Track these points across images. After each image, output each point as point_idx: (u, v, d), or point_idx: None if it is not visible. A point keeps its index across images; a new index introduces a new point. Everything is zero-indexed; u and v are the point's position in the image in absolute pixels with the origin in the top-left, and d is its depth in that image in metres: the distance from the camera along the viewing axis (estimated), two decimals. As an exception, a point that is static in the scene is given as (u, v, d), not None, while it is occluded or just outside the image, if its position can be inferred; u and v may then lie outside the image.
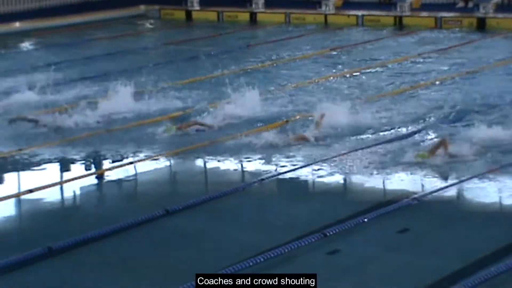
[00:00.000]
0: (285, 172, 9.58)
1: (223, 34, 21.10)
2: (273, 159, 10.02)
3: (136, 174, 9.87)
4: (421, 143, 10.36)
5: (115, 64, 17.18)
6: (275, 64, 16.59)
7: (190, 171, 9.91)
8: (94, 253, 7.71)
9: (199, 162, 10.11)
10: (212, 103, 12.60)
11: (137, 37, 21.38)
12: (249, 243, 7.69)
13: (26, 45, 20.57)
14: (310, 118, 11.42)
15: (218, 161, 10.16)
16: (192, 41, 20.30)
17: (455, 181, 9.08)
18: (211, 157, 10.23)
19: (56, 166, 10.32)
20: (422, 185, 8.98)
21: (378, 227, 7.97)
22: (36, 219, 8.81)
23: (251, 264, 7.07)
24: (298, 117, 11.77)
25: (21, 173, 10.12)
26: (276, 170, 9.67)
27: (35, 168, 10.25)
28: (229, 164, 10.06)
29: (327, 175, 9.43)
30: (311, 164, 9.74)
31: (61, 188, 9.59)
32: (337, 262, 7.35)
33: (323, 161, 9.82)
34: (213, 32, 21.48)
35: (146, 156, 10.40)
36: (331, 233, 7.75)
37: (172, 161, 10.15)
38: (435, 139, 10.34)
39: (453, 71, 15.22)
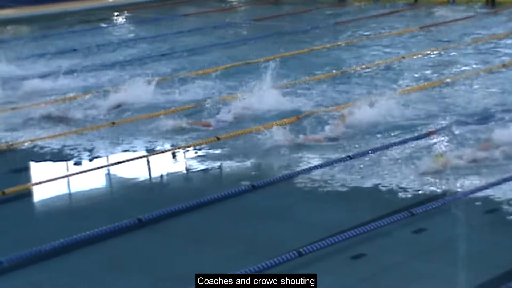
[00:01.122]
0: (367, 153, 9.48)
1: (311, 11, 21.04)
2: (356, 140, 9.97)
3: (222, 150, 9.94)
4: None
5: (205, 39, 17.36)
6: (360, 42, 16.47)
7: (275, 147, 9.90)
8: (182, 225, 7.85)
9: (285, 139, 10.08)
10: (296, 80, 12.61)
11: (227, 13, 21.51)
12: (335, 220, 7.70)
13: (117, 20, 20.94)
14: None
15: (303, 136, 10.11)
16: (280, 17, 20.31)
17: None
18: (297, 134, 10.20)
19: (145, 139, 10.48)
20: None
21: (466, 208, 7.87)
22: (125, 191, 9.01)
23: (336, 240, 7.10)
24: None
25: (111, 145, 10.32)
26: (359, 149, 9.62)
27: (124, 140, 10.45)
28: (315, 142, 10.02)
29: (410, 156, 9.31)
30: (384, 149, 9.65)
31: (148, 162, 9.76)
32: (423, 241, 7.30)
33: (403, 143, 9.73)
34: (301, 8, 21.43)
35: (233, 131, 10.51)
36: (418, 211, 7.72)
37: (257, 137, 10.16)
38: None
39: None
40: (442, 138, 9.76)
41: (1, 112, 11.61)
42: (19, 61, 15.17)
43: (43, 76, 13.91)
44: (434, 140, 9.71)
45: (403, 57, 14.70)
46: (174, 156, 9.92)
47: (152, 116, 11.39)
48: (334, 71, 13.70)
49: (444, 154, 8.93)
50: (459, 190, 8.22)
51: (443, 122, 10.51)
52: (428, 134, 9.94)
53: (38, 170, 9.65)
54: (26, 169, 9.71)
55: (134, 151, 10.06)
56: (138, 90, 12.38)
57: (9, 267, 6.91)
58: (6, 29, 19.58)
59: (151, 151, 10.00)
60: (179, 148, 10.05)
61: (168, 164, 9.73)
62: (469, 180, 8.47)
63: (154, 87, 12.50)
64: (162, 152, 9.97)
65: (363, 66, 14.01)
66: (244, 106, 11.34)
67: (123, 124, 11.08)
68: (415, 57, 14.79)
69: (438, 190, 8.24)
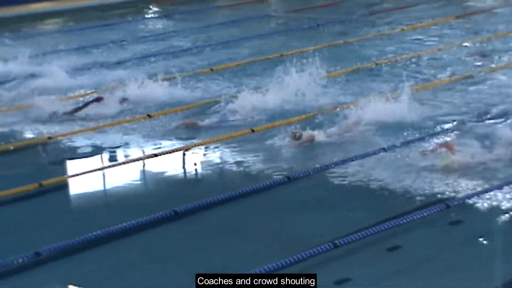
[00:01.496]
0: (398, 146, 9.44)
1: (345, 1, 20.95)
2: (387, 133, 9.94)
3: (257, 142, 9.94)
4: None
5: (238, 32, 17.38)
6: (395, 33, 16.38)
7: (305, 142, 9.88)
8: (217, 217, 7.89)
9: (320, 133, 10.07)
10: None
11: (260, 5, 21.49)
12: (370, 212, 7.70)
13: (151, 12, 21.03)
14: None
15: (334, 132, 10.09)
16: (314, 8, 20.26)
17: None
18: (327, 129, 10.19)
19: (180, 132, 10.52)
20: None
21: (499, 202, 7.81)
22: (160, 183, 9.08)
23: (371, 232, 7.10)
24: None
25: (147, 137, 10.39)
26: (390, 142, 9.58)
27: (160, 133, 10.50)
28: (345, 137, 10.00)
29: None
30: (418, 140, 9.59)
31: (184, 154, 9.81)
32: (457, 233, 7.28)
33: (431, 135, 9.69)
34: (336, -1, 21.40)
35: (266, 123, 10.53)
36: (454, 204, 7.68)
37: (291, 131, 10.15)
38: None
39: None
40: (471, 133, 9.69)
41: (37, 106, 11.74)
42: (54, 55, 15.31)
43: (78, 69, 14.04)
44: (462, 135, 9.65)
45: (439, 49, 14.59)
46: (208, 148, 9.96)
47: (187, 108, 11.45)
48: (367, 63, 13.63)
49: (450, 159, 8.71)
50: (491, 184, 8.16)
51: (473, 116, 10.43)
52: (457, 128, 9.88)
53: (74, 163, 9.75)
54: (63, 161, 9.81)
55: (169, 144, 10.11)
56: (172, 83, 12.46)
57: (47, 258, 7.01)
58: (43, 23, 19.77)
59: (186, 144, 10.04)
60: (213, 140, 10.09)
61: (203, 156, 9.77)
62: (501, 175, 8.41)
63: (189, 81, 12.56)
64: (197, 145, 10.00)
65: (397, 58, 13.92)
66: (277, 99, 11.37)
67: (159, 117, 11.15)
68: (451, 48, 14.66)
69: (471, 184, 8.19)
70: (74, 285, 6.57)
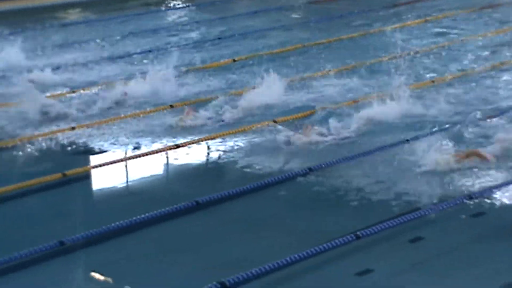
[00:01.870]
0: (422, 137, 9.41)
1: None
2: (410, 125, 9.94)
3: (279, 134, 9.94)
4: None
5: (259, 23, 17.36)
6: (418, 24, 16.30)
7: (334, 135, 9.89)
8: (238, 209, 7.93)
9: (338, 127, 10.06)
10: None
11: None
12: (389, 205, 7.69)
13: (173, 3, 21.05)
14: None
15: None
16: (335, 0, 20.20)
17: None
18: (350, 120, 10.17)
19: (202, 123, 10.54)
20: None
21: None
22: (182, 174, 9.12)
23: (394, 224, 7.10)
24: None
25: (168, 129, 10.43)
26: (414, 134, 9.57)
27: (181, 124, 10.53)
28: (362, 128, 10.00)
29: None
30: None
31: (207, 145, 9.84)
32: (480, 226, 7.27)
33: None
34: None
35: (288, 115, 10.53)
36: (476, 196, 7.67)
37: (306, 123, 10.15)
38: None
39: None
40: (495, 126, 9.63)
41: (63, 95, 11.82)
42: (81, 45, 15.40)
43: (101, 60, 14.10)
44: (486, 127, 9.60)
45: (463, 40, 14.49)
46: (228, 140, 9.97)
47: (209, 99, 11.46)
48: (389, 54, 13.57)
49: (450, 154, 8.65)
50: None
51: (497, 108, 10.37)
52: (480, 121, 9.84)
53: (97, 153, 9.79)
54: (86, 152, 9.86)
55: (190, 135, 10.13)
56: (194, 74, 12.48)
57: (71, 247, 7.08)
58: (68, 13, 19.84)
59: (207, 135, 10.07)
60: (234, 131, 10.10)
61: (225, 147, 9.79)
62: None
63: (210, 72, 12.58)
64: (217, 136, 10.01)
65: (421, 50, 13.86)
66: (299, 90, 11.37)
67: (182, 107, 11.17)
68: (475, 39, 14.56)
69: (494, 177, 8.17)
70: (97, 273, 6.63)
